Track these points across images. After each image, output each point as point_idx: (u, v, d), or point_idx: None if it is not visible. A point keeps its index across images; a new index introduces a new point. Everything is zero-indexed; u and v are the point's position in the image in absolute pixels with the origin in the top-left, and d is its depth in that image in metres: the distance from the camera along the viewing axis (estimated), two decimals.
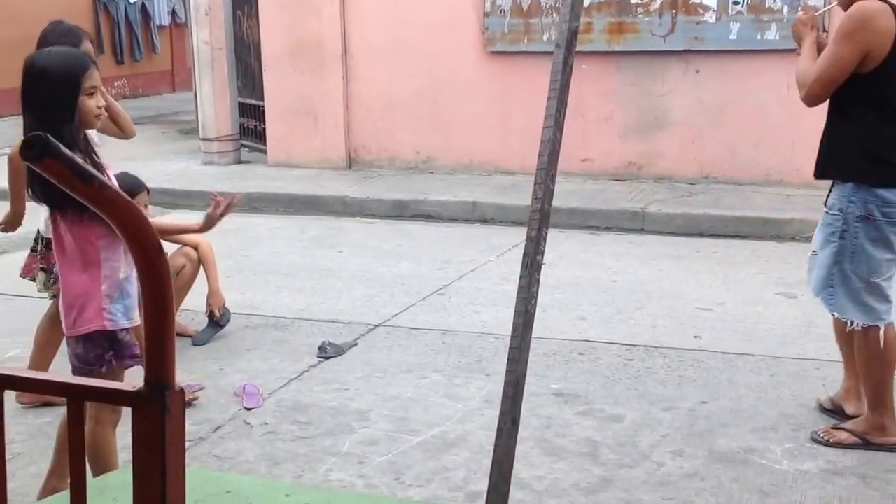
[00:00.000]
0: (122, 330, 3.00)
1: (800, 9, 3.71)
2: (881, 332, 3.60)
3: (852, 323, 3.61)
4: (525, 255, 2.88)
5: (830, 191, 3.69)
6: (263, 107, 9.78)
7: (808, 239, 6.96)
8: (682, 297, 5.66)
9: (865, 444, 3.63)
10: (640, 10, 8.34)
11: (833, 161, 3.64)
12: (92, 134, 3.82)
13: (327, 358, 4.72)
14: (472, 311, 5.45)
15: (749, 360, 4.60)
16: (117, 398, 1.37)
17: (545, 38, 8.47)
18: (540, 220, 2.91)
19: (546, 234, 2.89)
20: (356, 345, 4.91)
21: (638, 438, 3.78)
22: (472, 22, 8.88)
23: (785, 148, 8.15)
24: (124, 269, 2.99)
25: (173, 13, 18.26)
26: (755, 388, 4.27)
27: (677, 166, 8.47)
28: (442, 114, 9.10)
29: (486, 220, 7.82)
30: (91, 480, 1.89)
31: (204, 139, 10.08)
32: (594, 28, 8.36)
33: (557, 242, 6.73)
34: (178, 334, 4.71)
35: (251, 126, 10.26)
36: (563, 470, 3.54)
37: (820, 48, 3.68)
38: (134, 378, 1.55)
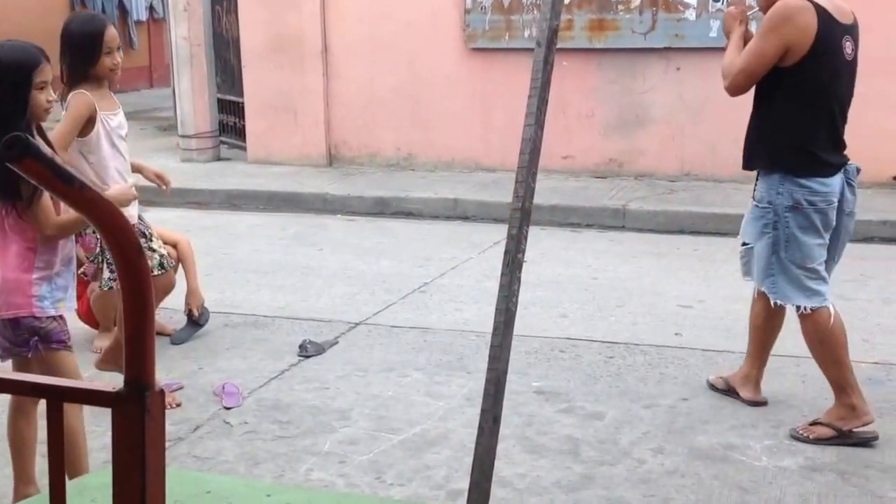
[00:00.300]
0: (50, 318, 3.12)
1: (731, 4, 3.87)
2: (829, 311, 3.72)
3: (799, 308, 3.73)
4: (506, 253, 2.88)
5: (756, 183, 3.81)
6: (243, 103, 9.74)
7: None
8: (663, 294, 5.67)
9: (842, 434, 3.67)
10: (620, 7, 8.35)
11: (759, 152, 3.77)
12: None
13: (308, 356, 4.70)
14: (453, 308, 5.44)
15: (729, 357, 4.62)
16: (97, 399, 1.36)
17: (526, 34, 8.47)
18: (521, 218, 2.91)
19: (527, 232, 2.89)
20: (337, 343, 4.89)
21: (619, 436, 3.79)
22: (453, 18, 8.87)
23: None
24: (60, 261, 3.14)
25: (151, 8, 18.14)
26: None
27: (658, 163, 8.50)
28: (423, 111, 9.09)
29: (468, 218, 7.82)
30: (70, 482, 1.87)
31: (182, 136, 10.02)
32: (575, 25, 8.37)
33: (538, 240, 6.73)
34: (157, 333, 4.68)
35: (230, 123, 10.21)
36: (545, 468, 3.54)
37: (747, 42, 3.80)
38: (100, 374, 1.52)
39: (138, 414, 1.29)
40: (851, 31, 3.70)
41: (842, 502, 3.25)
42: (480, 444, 2.79)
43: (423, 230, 7.46)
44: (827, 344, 3.74)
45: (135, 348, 1.28)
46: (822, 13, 3.58)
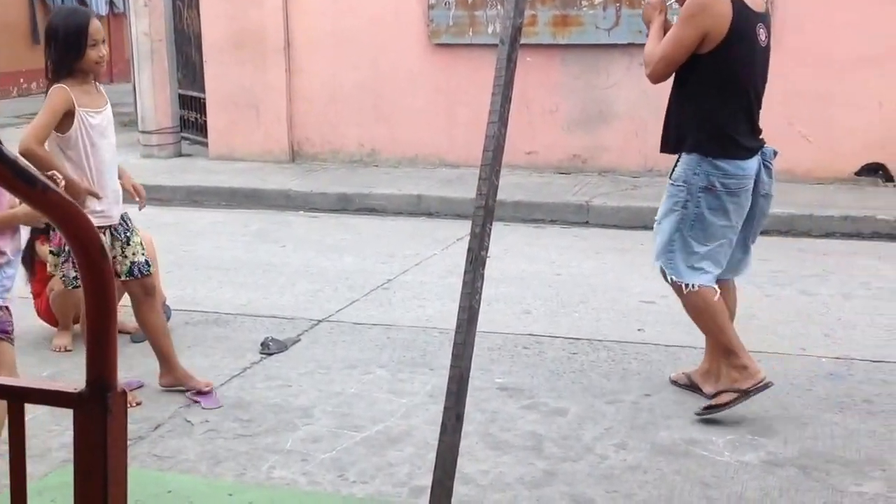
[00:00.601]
0: None
1: None
2: (714, 291, 3.87)
3: (687, 286, 3.85)
4: (469, 250, 2.88)
5: (676, 164, 3.91)
6: (204, 99, 9.66)
7: None
8: (626, 290, 5.70)
9: (741, 393, 3.81)
10: (584, 3, 8.39)
11: (677, 136, 3.87)
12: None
13: (270, 354, 4.67)
14: (416, 305, 5.44)
15: (692, 352, 4.64)
16: (58, 399, 1.34)
17: (490, 30, 8.48)
18: (484, 215, 2.91)
19: (490, 229, 2.89)
20: (299, 340, 4.87)
21: (582, 432, 3.80)
22: (417, 14, 8.85)
23: None
24: (10, 252, 3.17)
25: (111, 3, 17.96)
26: None
27: (621, 159, 8.55)
28: (386, 106, 9.06)
29: (431, 214, 7.81)
30: (31, 483, 1.84)
31: (143, 132, 9.92)
32: (539, 21, 8.39)
33: (502, 236, 6.75)
34: (118, 331, 4.63)
35: (192, 118, 10.12)
36: (508, 464, 3.55)
37: (667, 31, 3.91)
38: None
39: (100, 415, 1.28)
40: (764, 19, 3.85)
41: (803, 497, 3.28)
42: (443, 442, 2.79)
43: (387, 226, 7.44)
44: (707, 315, 3.89)
45: (97, 349, 1.27)
46: (736, 2, 3.71)
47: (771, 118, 8.04)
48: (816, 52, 7.92)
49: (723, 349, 3.91)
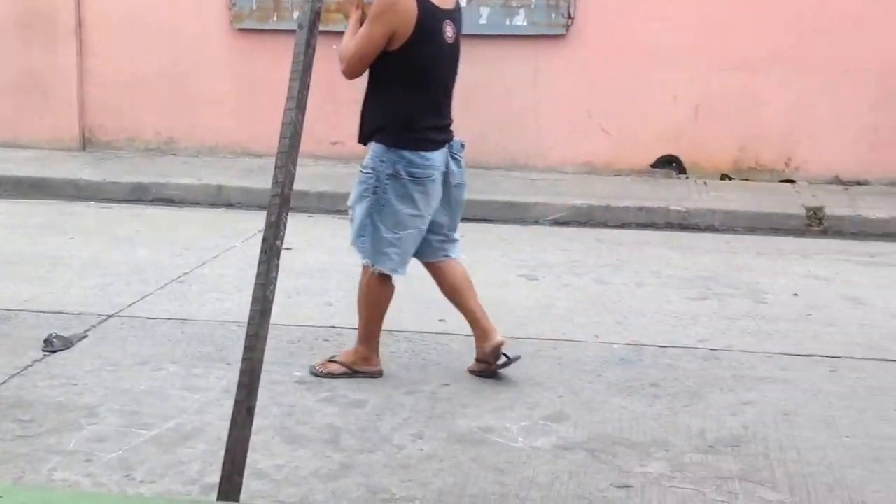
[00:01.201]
0: None
1: None
2: (390, 282, 4.13)
3: (373, 267, 4.06)
4: (264, 240, 2.80)
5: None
6: None
7: (552, 222, 7.30)
8: (429, 280, 5.67)
9: (353, 372, 4.15)
10: None
11: (371, 127, 4.02)
12: None
13: (54, 351, 4.40)
14: (214, 298, 5.25)
15: None
16: None
17: (295, 15, 8.30)
18: (280, 204, 2.82)
19: (286, 218, 2.81)
20: (86, 337, 4.60)
21: (380, 423, 3.76)
22: None
23: (531, 132, 8.44)
24: None
25: None
26: None
27: None
28: (186, 93, 8.75)
29: (232, 205, 7.59)
30: None
31: None
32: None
33: (306, 227, 6.63)
34: None
35: None
36: (303, 458, 3.46)
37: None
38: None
39: None
40: (452, 15, 4.06)
41: (591, 479, 3.35)
42: (233, 436, 2.69)
43: (185, 218, 7.18)
44: (373, 305, 4.13)
45: None
46: (422, 1, 3.89)
47: (571, 111, 8.36)
48: (615, 46, 8.19)
49: (363, 335, 4.17)
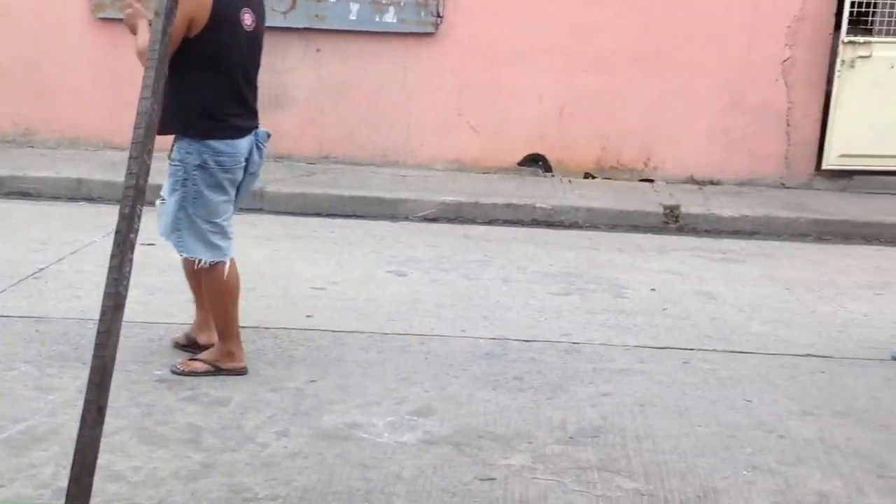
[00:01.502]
0: None
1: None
2: (225, 267, 4.09)
3: (200, 261, 4.03)
4: (117, 233, 2.72)
5: (174, 145, 4.06)
6: None
7: (421, 219, 7.33)
8: (297, 277, 5.66)
9: (217, 370, 4.11)
10: None
11: (172, 118, 3.94)
12: None
13: None
14: (71, 295, 5.08)
15: (358, 337, 4.69)
16: None
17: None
18: (134, 196, 2.75)
19: (141, 211, 2.73)
20: None
21: (243, 421, 3.71)
22: None
23: (401, 129, 8.45)
24: None
25: None
26: (363, 364, 4.35)
27: (297, 145, 8.49)
28: (45, 83, 8.42)
29: (93, 199, 7.35)
30: None
31: None
32: None
33: None
34: None
35: None
36: (163, 458, 3.38)
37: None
38: None
39: None
40: (251, 3, 4.04)
41: (455, 472, 3.38)
42: (83, 437, 2.60)
43: (42, 212, 6.91)
44: (221, 296, 4.11)
45: None
46: None
47: (441, 109, 8.41)
48: (483, 45, 8.28)
49: (222, 331, 4.14)
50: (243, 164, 4.04)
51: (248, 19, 3.99)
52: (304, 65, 8.42)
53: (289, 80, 8.44)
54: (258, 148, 4.12)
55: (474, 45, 8.29)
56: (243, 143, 4.01)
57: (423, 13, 8.23)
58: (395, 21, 8.23)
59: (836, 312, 5.42)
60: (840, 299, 5.67)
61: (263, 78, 8.28)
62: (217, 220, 4.03)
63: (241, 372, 4.14)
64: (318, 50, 8.41)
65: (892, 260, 6.42)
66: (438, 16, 8.27)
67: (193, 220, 3.98)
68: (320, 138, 8.53)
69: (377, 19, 8.25)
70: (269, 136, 4.19)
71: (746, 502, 3.28)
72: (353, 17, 8.25)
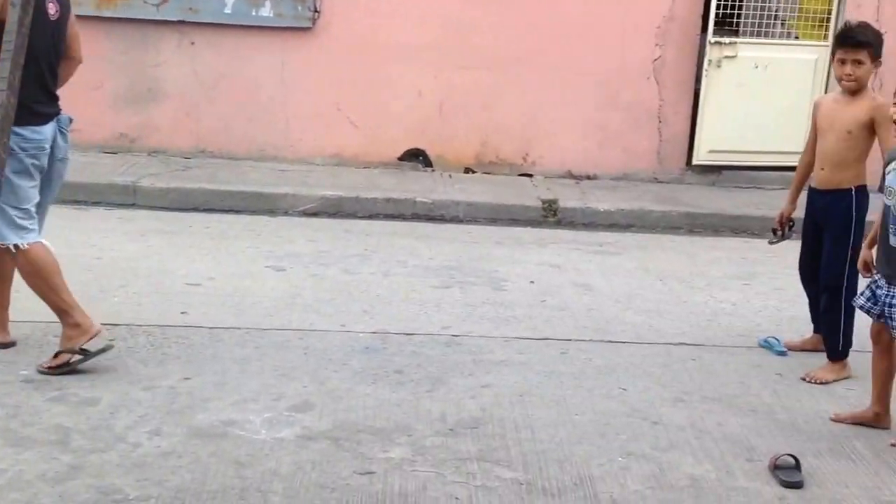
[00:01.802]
0: None
1: None
2: (41, 246, 4.08)
3: (17, 246, 4.00)
4: None
5: None
6: None
7: (301, 213, 7.24)
8: (172, 272, 5.52)
9: (81, 352, 4.01)
10: None
11: None
12: None
13: None
14: None
15: (235, 333, 4.60)
16: None
17: None
18: None
19: None
20: None
21: (113, 421, 3.59)
22: None
23: (279, 124, 8.34)
24: None
25: None
26: (239, 360, 4.27)
27: (172, 139, 8.28)
28: None
29: None
30: None
31: None
32: None
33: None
34: None
35: None
36: (29, 460, 3.25)
37: None
38: None
39: None
40: None
41: (334, 467, 3.35)
42: None
43: None
44: (41, 275, 4.06)
45: None
46: None
47: (320, 103, 8.34)
48: (362, 40, 8.24)
49: (59, 311, 4.07)
50: (48, 150, 4.05)
51: (52, 9, 4.00)
52: (177, 58, 8.22)
53: (161, 74, 8.23)
54: (62, 133, 4.15)
55: (352, 41, 8.24)
56: (47, 129, 4.04)
57: (299, 8, 8.14)
58: (271, 15, 8.11)
59: (706, 302, 5.59)
60: (710, 290, 5.85)
61: (134, 70, 8.20)
62: (26, 206, 4.01)
63: (98, 337, 4.04)
64: (192, 43, 8.22)
65: (758, 251, 6.65)
66: (315, 11, 8.19)
67: (4, 209, 3.95)
68: (196, 132, 8.35)
69: (253, 13, 8.12)
70: (70, 120, 4.22)
71: (622, 488, 3.35)
72: (229, 11, 8.10)
